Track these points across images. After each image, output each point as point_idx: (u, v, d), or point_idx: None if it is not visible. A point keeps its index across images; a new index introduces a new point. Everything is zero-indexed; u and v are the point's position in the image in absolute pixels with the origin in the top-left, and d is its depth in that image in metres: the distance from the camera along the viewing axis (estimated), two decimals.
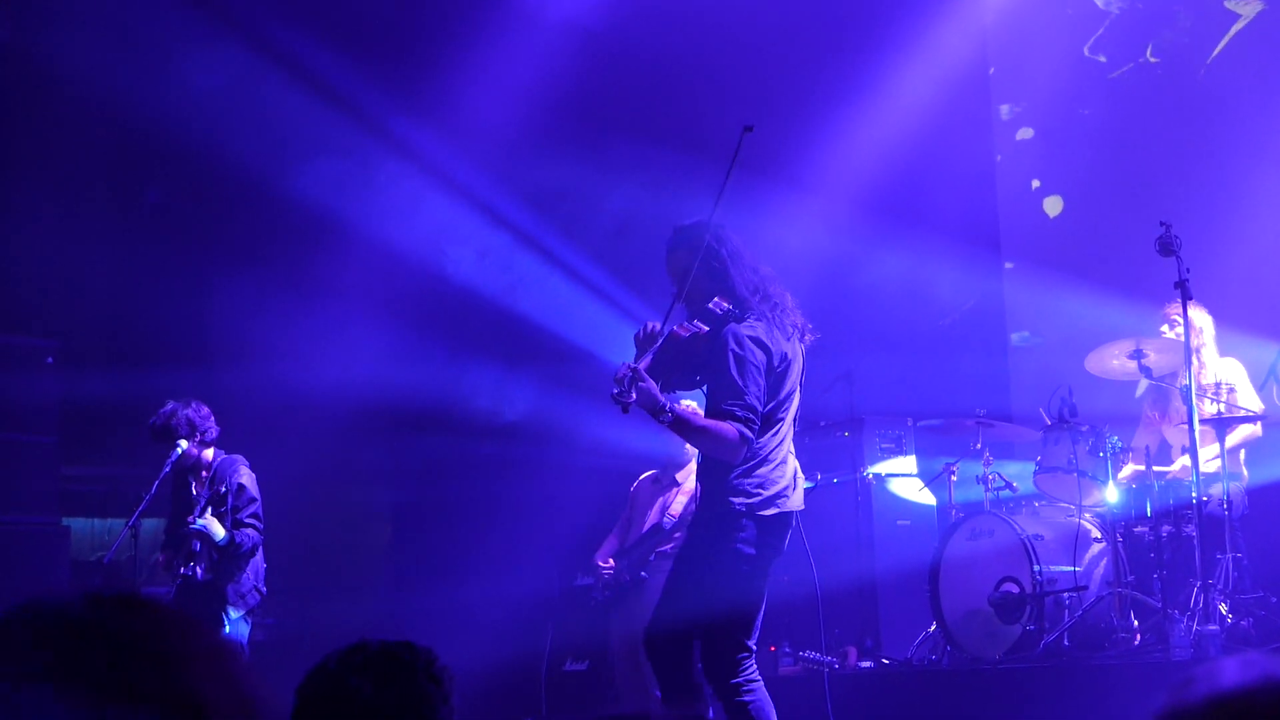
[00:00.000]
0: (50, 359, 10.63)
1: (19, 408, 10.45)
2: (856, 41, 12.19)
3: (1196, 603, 8.03)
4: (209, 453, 8.95)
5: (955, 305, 12.03)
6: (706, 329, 6.33)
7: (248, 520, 8.72)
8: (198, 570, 8.75)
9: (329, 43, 11.37)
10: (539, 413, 11.83)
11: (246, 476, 8.91)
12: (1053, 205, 12.26)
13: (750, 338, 6.27)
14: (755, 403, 6.21)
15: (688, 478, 9.44)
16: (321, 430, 11.25)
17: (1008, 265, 12.33)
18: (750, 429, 6.20)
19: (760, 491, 6.29)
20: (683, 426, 6.26)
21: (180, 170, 11.65)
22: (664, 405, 6.13)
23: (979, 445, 9.69)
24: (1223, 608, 8.14)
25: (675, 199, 11.22)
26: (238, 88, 11.22)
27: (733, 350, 6.23)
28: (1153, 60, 11.77)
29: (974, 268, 12.10)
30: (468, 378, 11.80)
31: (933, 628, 9.29)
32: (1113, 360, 9.17)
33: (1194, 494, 8.17)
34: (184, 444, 8.91)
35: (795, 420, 6.54)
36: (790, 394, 6.42)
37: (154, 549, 9.89)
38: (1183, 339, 8.40)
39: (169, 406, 8.86)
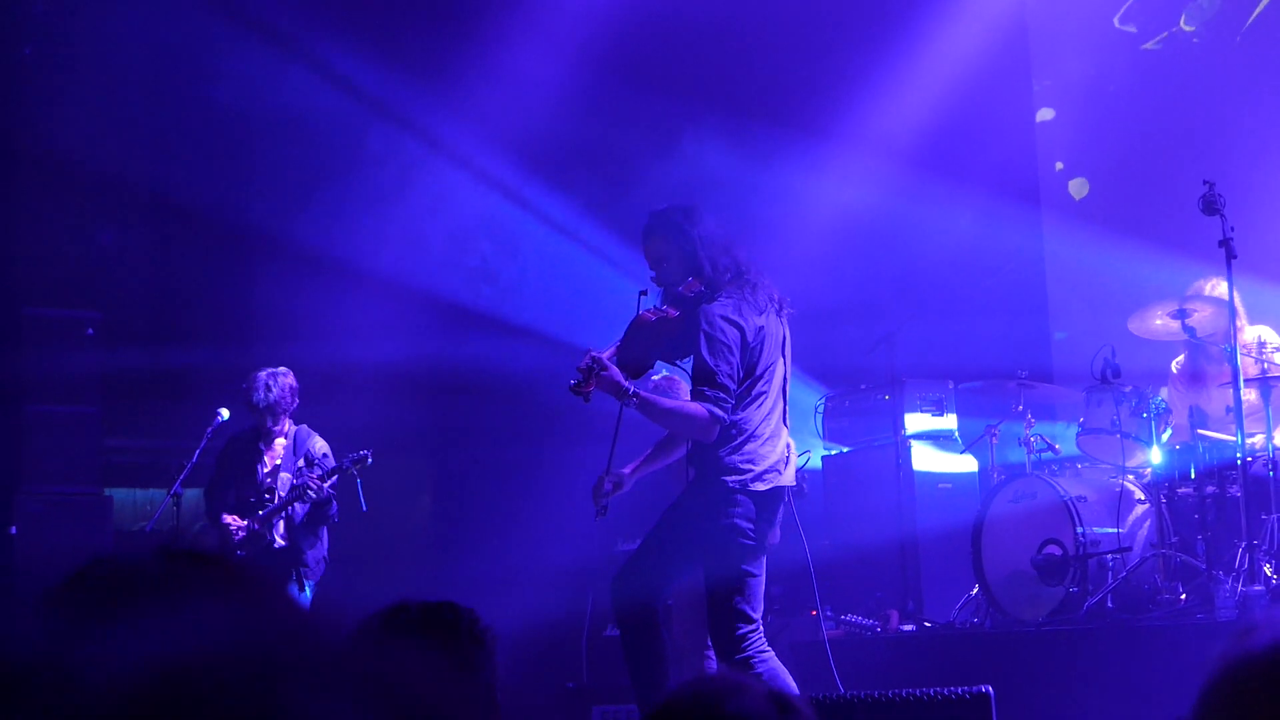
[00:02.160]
0: (91, 330, 10.68)
1: (61, 379, 10.51)
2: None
3: (1241, 563, 7.97)
4: (287, 423, 9.04)
5: (997, 265, 11.94)
6: (676, 314, 6.45)
7: (330, 491, 8.83)
8: (277, 536, 8.84)
9: (360, 18, 11.36)
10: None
11: (325, 445, 9.02)
12: (1078, 188, 12.17)
13: (721, 315, 6.36)
14: (727, 381, 6.29)
15: None
16: (363, 400, 11.25)
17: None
18: (721, 407, 6.28)
19: (751, 467, 6.38)
20: (649, 409, 6.38)
21: (217, 148, 11.63)
22: (627, 390, 6.27)
23: (1020, 407, 9.64)
24: (1268, 568, 8.08)
25: (717, 155, 11.20)
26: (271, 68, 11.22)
27: (704, 330, 6.34)
28: (1187, 29, 11.64)
29: (1014, 226, 12.02)
30: (509, 345, 11.79)
31: (975, 590, 9.26)
32: (1156, 320, 9.10)
33: (1238, 454, 8.11)
34: (225, 412, 9.00)
35: (784, 391, 6.62)
36: (770, 367, 6.49)
37: (195, 518, 9.95)
38: (1225, 297, 8.33)
39: (269, 374, 8.92)
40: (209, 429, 9.23)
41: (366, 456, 8.88)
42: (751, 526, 6.34)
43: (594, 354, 6.28)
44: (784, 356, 6.61)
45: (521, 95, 11.67)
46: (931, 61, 11.82)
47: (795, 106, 11.93)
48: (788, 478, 6.49)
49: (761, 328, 6.43)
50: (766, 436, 6.44)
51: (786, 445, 6.55)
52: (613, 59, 11.72)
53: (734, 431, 6.36)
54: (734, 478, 6.34)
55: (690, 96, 11.63)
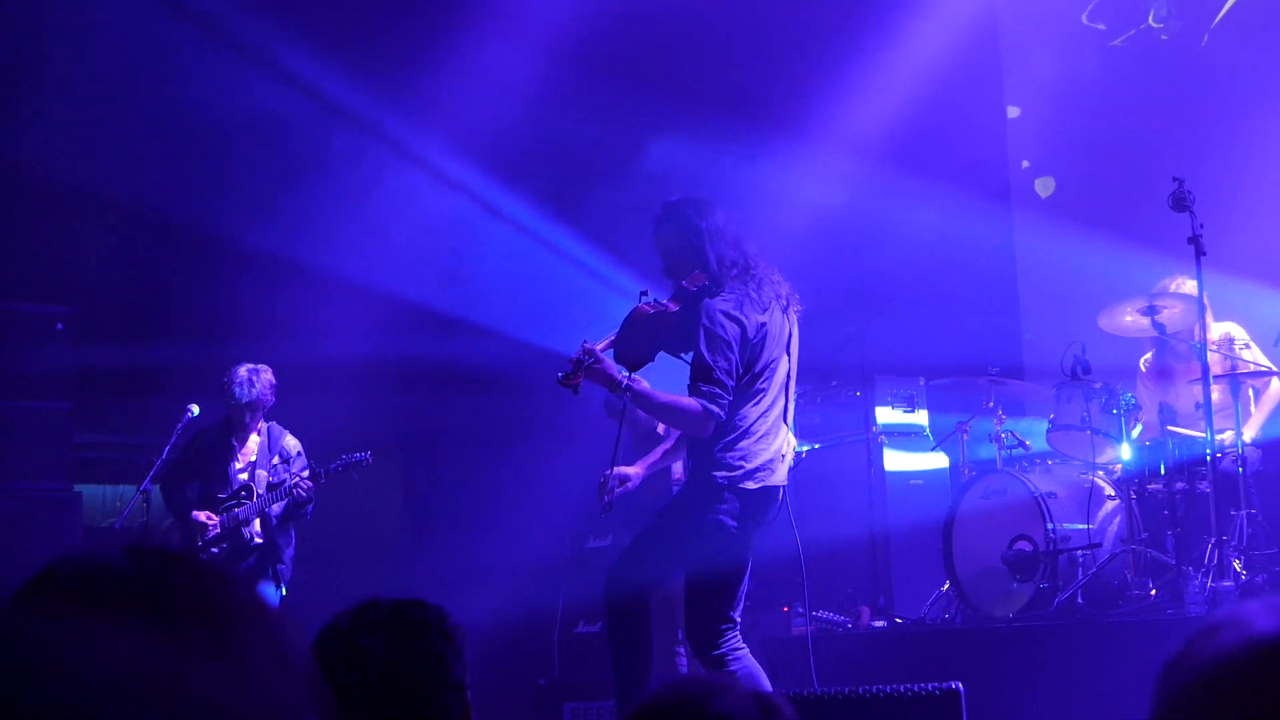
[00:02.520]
0: (60, 325, 10.63)
1: (31, 375, 10.46)
2: None
3: (1211, 559, 8.01)
4: (260, 420, 9.04)
5: (967, 262, 11.96)
6: (675, 308, 6.42)
7: (312, 491, 8.84)
8: (255, 534, 8.83)
9: (333, 16, 11.32)
10: (551, 375, 11.79)
11: (298, 443, 9.03)
12: (1044, 186, 12.21)
13: (722, 311, 6.34)
14: (724, 377, 6.27)
15: (668, 433, 9.46)
16: (334, 397, 11.23)
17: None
18: (717, 403, 6.25)
19: (743, 465, 6.36)
20: (644, 401, 6.37)
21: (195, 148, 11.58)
22: (621, 382, 6.25)
23: (991, 403, 9.67)
24: (1237, 564, 8.12)
25: (687, 151, 11.19)
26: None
27: (704, 325, 6.32)
28: (1155, 26, 11.68)
29: (984, 223, 12.04)
30: (478, 345, 11.76)
31: (946, 586, 9.28)
32: (1126, 317, 9.13)
33: (1208, 451, 8.14)
34: (195, 408, 8.99)
35: (787, 389, 6.59)
36: (771, 364, 6.46)
37: (165, 515, 9.91)
38: (1194, 294, 8.37)
39: (247, 371, 8.92)
40: (179, 425, 9.21)
41: (366, 459, 8.86)
42: (736, 525, 6.32)
43: (587, 344, 6.26)
44: (789, 354, 6.58)
45: (490, 94, 11.64)
46: (902, 59, 11.83)
47: (765, 104, 11.94)
48: (780, 477, 6.46)
49: (763, 324, 6.40)
50: (762, 434, 6.41)
51: (784, 444, 6.52)
52: (583, 56, 11.70)
53: (729, 428, 6.34)
54: (724, 474, 6.32)
55: (659, 93, 11.61)
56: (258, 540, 8.83)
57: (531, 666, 10.25)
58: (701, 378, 6.27)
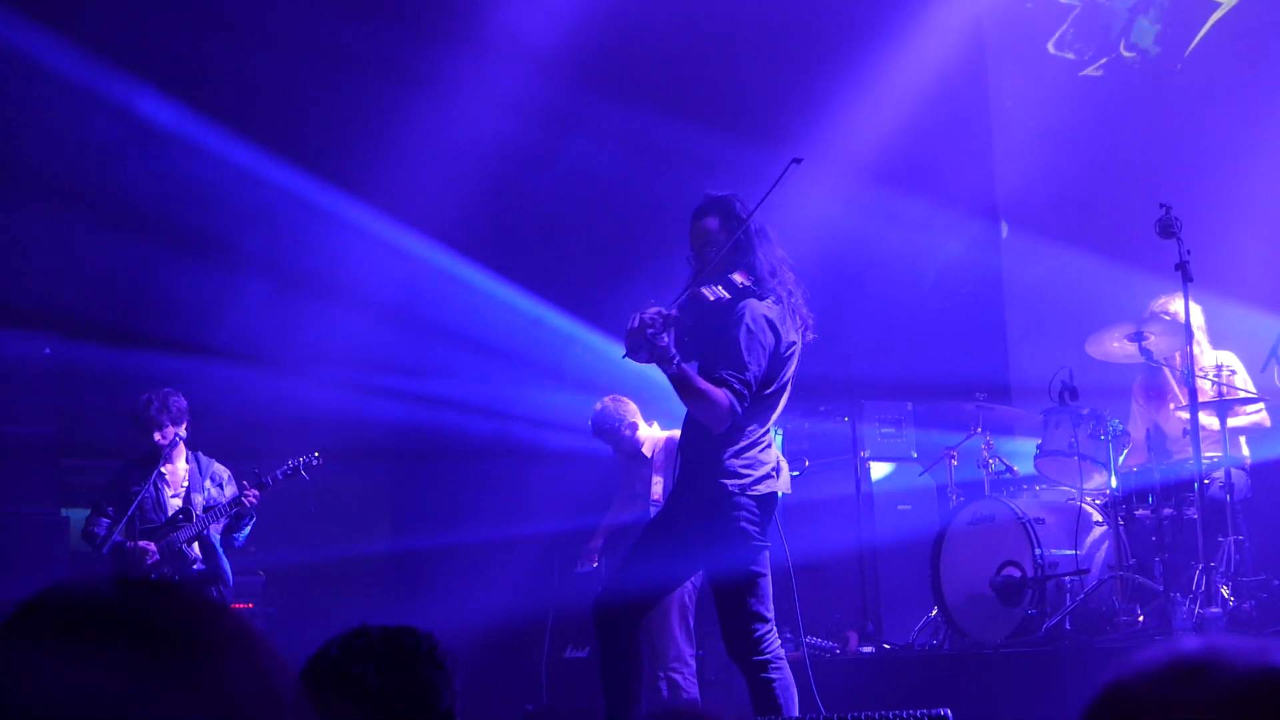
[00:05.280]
0: (48, 350, 10.61)
1: (17, 400, 10.43)
2: (859, 14, 12.16)
3: (1198, 586, 8.01)
4: (182, 446, 9.01)
5: (954, 285, 11.99)
6: (728, 296, 6.33)
7: (254, 496, 8.82)
8: (197, 558, 8.81)
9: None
10: (536, 399, 11.81)
11: (226, 470, 9.03)
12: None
13: (765, 318, 6.30)
14: (753, 380, 6.24)
15: (654, 450, 9.44)
16: (316, 423, 11.20)
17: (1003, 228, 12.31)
18: (741, 403, 6.22)
19: (750, 472, 6.33)
20: (683, 382, 6.22)
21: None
22: (674, 356, 6.13)
23: (979, 429, 9.68)
24: (1225, 590, 8.13)
25: (671, 167, 11.19)
26: None
27: (746, 324, 6.25)
28: (1126, 55, 11.73)
29: (972, 245, 12.07)
30: (467, 364, 11.79)
31: (934, 612, 9.27)
32: (1113, 343, 9.14)
33: (1196, 477, 8.15)
34: (183, 430, 8.95)
35: (780, 413, 6.58)
36: (786, 383, 6.45)
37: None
38: (1181, 320, 8.38)
39: (160, 395, 8.88)
40: (167, 448, 9.17)
41: (316, 460, 8.86)
42: (758, 530, 6.31)
43: (664, 310, 6.11)
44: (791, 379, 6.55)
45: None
46: (892, 80, 11.87)
47: (757, 122, 11.94)
48: (782, 483, 6.45)
49: (793, 343, 6.40)
50: (764, 445, 6.41)
51: (779, 456, 6.52)
52: (569, 70, 11.74)
53: (739, 436, 6.31)
54: (734, 481, 6.29)
55: (643, 104, 11.64)
56: (199, 565, 8.81)
57: (520, 692, 10.23)
58: (735, 374, 6.21)
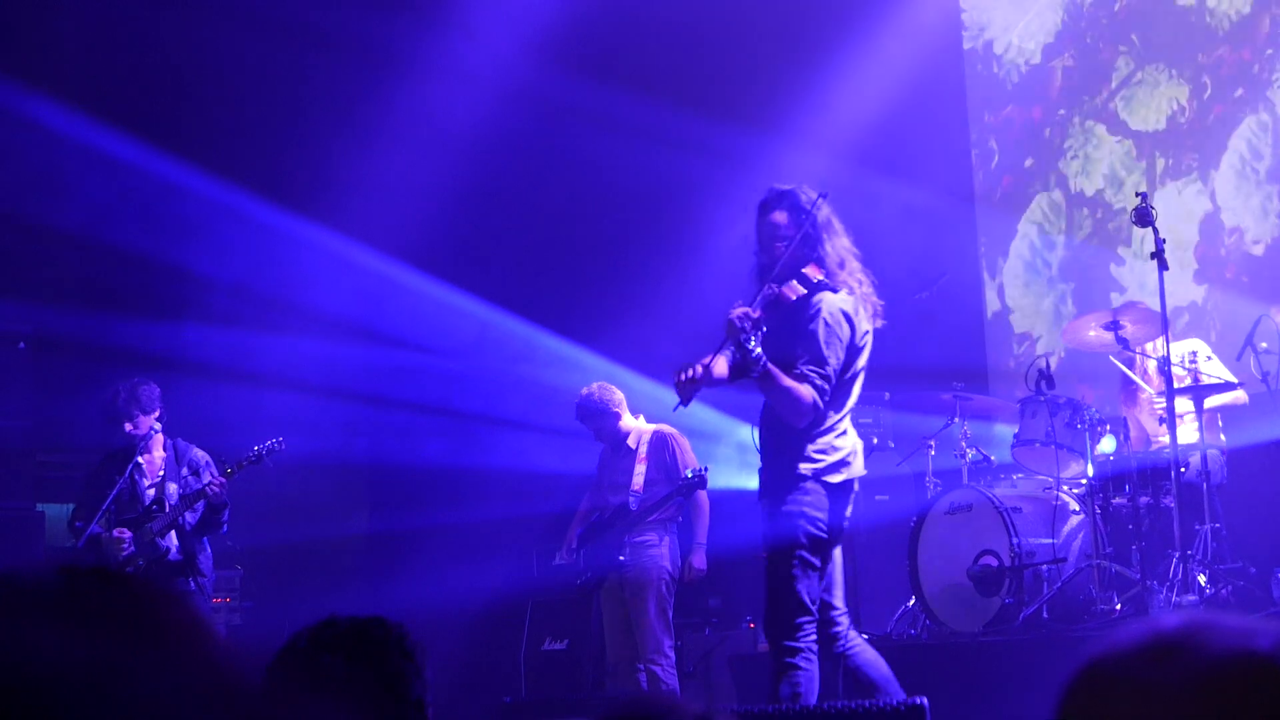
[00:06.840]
0: (22, 344, 10.57)
1: None
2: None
3: (1175, 573, 8.02)
4: (161, 436, 8.96)
5: (931, 276, 11.99)
6: (805, 292, 6.35)
7: (226, 495, 8.78)
8: (172, 548, 8.76)
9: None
10: (515, 393, 11.80)
11: (206, 455, 8.96)
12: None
13: (841, 309, 6.31)
14: (833, 374, 6.26)
15: (638, 442, 9.38)
16: (295, 414, 11.18)
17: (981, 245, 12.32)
18: (823, 398, 6.25)
19: (824, 457, 6.33)
20: (770, 381, 6.20)
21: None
22: (761, 357, 6.13)
23: (956, 418, 9.68)
24: (1201, 578, 8.14)
25: (656, 152, 11.18)
26: None
27: (824, 318, 6.27)
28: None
29: (949, 235, 12.06)
30: (443, 364, 11.77)
31: (911, 602, 9.27)
32: (1089, 332, 9.15)
33: (1172, 465, 8.16)
34: (158, 424, 8.91)
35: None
36: (860, 372, 6.47)
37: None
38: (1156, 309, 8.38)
39: (129, 385, 8.84)
40: (145, 439, 9.13)
41: (279, 444, 8.82)
42: (822, 517, 6.29)
43: (750, 312, 6.14)
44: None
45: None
46: (870, 65, 11.86)
47: (735, 107, 11.94)
48: (857, 469, 6.46)
49: (867, 332, 6.42)
50: (842, 431, 6.42)
51: (857, 441, 6.53)
52: (554, 58, 11.73)
53: (816, 425, 6.31)
54: (809, 465, 6.30)
55: (622, 88, 11.62)
56: (175, 555, 8.76)
57: (498, 684, 10.21)
58: (816, 369, 6.23)
